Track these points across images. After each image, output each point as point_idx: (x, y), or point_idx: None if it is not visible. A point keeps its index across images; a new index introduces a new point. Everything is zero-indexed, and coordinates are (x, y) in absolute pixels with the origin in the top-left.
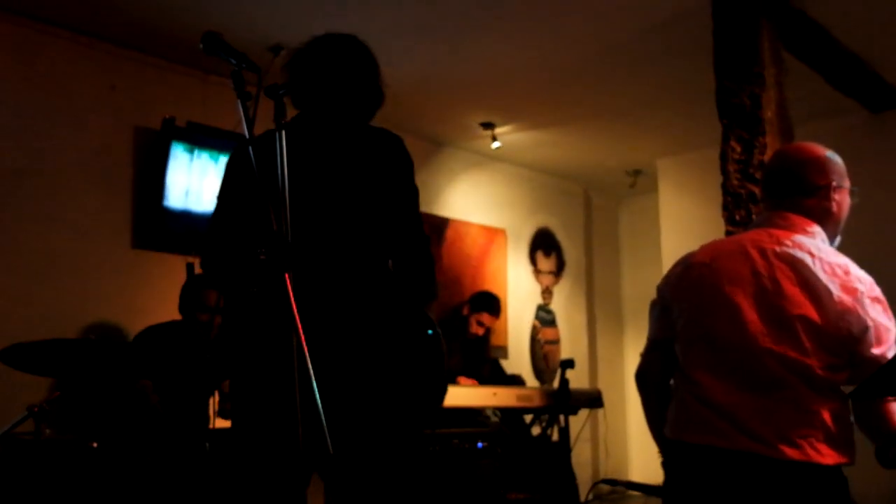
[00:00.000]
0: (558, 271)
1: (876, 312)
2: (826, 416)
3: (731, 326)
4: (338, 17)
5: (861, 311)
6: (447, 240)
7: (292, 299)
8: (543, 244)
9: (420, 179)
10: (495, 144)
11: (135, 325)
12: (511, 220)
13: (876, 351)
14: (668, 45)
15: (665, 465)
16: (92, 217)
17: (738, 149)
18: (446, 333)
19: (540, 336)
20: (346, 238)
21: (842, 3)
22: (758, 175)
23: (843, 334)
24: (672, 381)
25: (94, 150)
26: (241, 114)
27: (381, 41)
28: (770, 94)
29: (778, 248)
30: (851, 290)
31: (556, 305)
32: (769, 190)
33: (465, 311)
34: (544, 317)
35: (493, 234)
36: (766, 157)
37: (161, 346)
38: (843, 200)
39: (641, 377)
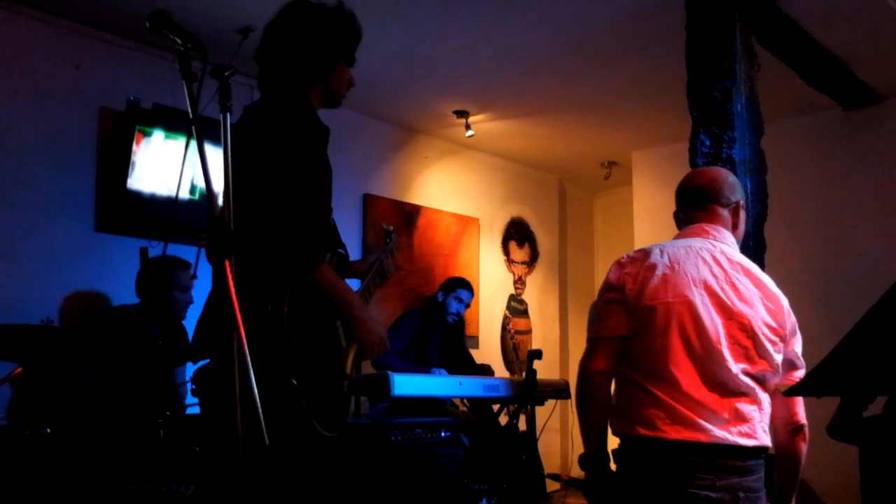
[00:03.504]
0: (531, 262)
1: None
2: (766, 408)
3: (698, 331)
4: None
5: (788, 309)
6: (419, 228)
7: (231, 286)
8: (517, 234)
9: (393, 166)
10: (469, 133)
11: (98, 309)
12: (484, 209)
13: (796, 347)
14: (644, 37)
15: (624, 460)
16: (54, 199)
17: (707, 143)
18: (420, 324)
19: (511, 326)
20: (239, 221)
21: (816, 0)
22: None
23: (787, 330)
24: (618, 379)
25: (57, 130)
26: (187, 94)
27: None
28: (741, 88)
29: (727, 254)
30: (776, 293)
31: (529, 296)
32: (690, 203)
33: (441, 297)
34: (516, 307)
35: (466, 222)
36: (735, 152)
37: (107, 331)
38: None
39: (597, 375)
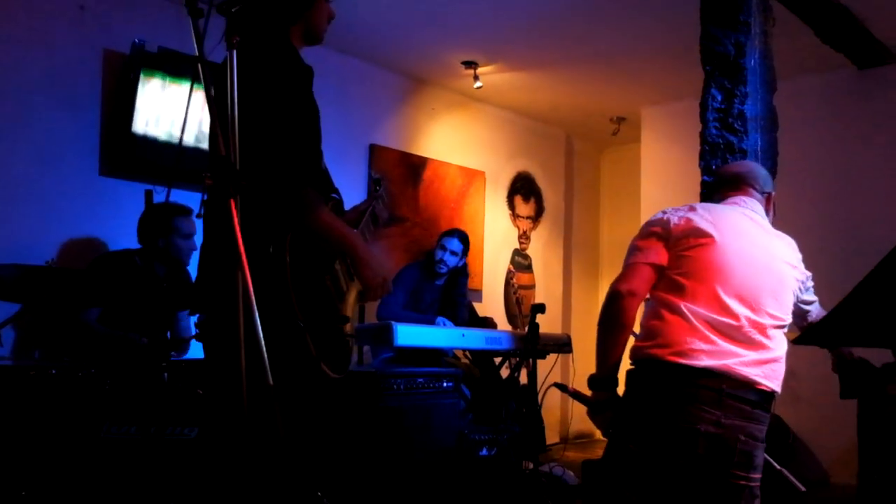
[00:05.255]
0: (537, 217)
1: None
2: (783, 360)
3: (739, 272)
4: None
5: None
6: (425, 180)
7: (237, 226)
8: (523, 189)
9: (400, 117)
10: (477, 84)
11: (102, 253)
12: (491, 162)
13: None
14: None
15: (636, 382)
16: (59, 142)
17: (719, 97)
18: (419, 275)
19: (514, 281)
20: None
21: None
22: (737, 126)
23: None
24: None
25: (60, 72)
26: (192, 31)
27: None
28: (755, 43)
29: (757, 221)
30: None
31: (533, 251)
32: (724, 185)
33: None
34: (520, 262)
35: (472, 175)
36: (747, 108)
37: (111, 275)
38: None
39: (628, 296)
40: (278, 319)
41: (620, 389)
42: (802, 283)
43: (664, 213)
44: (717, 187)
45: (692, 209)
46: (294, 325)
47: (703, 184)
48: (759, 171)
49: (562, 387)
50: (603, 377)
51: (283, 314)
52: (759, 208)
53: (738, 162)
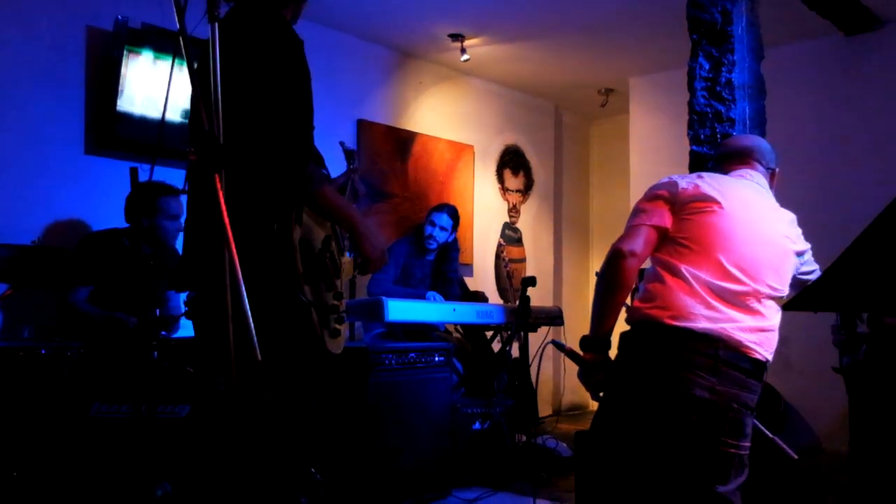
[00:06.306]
0: (526, 190)
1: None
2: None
3: (742, 240)
4: None
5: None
6: (413, 154)
7: (222, 201)
8: (512, 162)
9: (387, 91)
10: (464, 57)
11: (87, 232)
12: (479, 136)
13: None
14: None
15: (631, 345)
16: (42, 120)
17: (706, 66)
18: (408, 250)
19: (505, 254)
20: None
21: None
22: (725, 94)
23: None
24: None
25: (43, 49)
26: (174, 3)
27: None
28: (742, 10)
29: (762, 193)
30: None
31: (523, 224)
32: (729, 158)
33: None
34: (510, 235)
35: (461, 149)
36: (734, 76)
37: (98, 255)
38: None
39: (630, 256)
40: (283, 296)
41: (613, 353)
42: (802, 255)
43: (670, 177)
44: (724, 159)
45: (700, 177)
46: (300, 303)
47: (692, 153)
48: (766, 146)
49: (559, 344)
50: (597, 338)
51: (288, 291)
52: (765, 182)
53: (745, 135)
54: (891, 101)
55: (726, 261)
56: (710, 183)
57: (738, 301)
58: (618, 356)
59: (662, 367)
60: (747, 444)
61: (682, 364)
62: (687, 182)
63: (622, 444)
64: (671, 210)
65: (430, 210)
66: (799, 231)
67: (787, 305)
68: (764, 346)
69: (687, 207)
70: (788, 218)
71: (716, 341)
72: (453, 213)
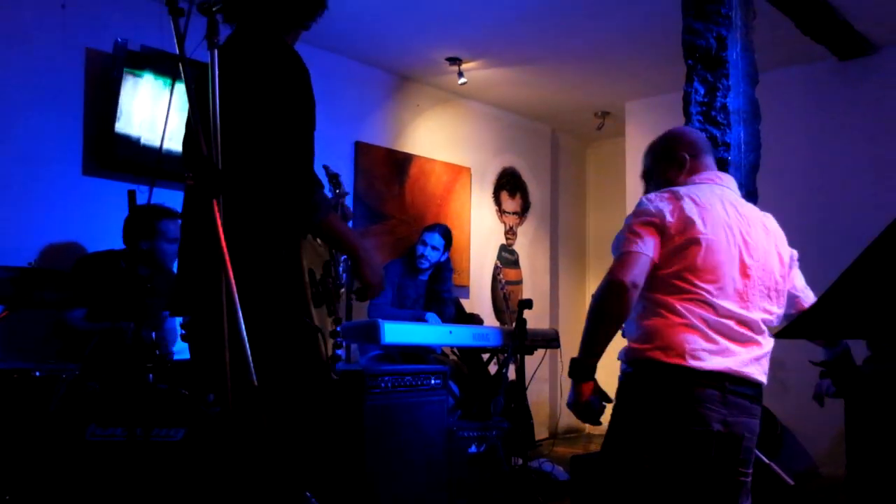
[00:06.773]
0: (523, 212)
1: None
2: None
3: (732, 268)
4: None
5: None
6: (411, 177)
7: (220, 226)
8: (508, 184)
9: (385, 114)
10: (462, 80)
11: (84, 254)
12: (476, 158)
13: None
14: None
15: (637, 385)
16: (42, 142)
17: (702, 91)
18: (402, 271)
19: (501, 276)
20: (229, 160)
21: None
22: (720, 118)
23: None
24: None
25: (43, 71)
26: (174, 30)
27: None
28: (737, 36)
29: (736, 206)
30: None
31: (520, 246)
32: (698, 150)
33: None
34: (507, 257)
35: (458, 172)
36: (729, 101)
37: (95, 276)
38: None
39: (628, 285)
40: (292, 321)
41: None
42: (789, 260)
43: (650, 202)
44: (699, 153)
45: (678, 198)
46: (308, 328)
47: None
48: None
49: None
50: (590, 365)
51: (297, 316)
52: (733, 183)
53: (686, 127)
54: (885, 125)
55: (719, 296)
56: (691, 207)
57: (735, 334)
58: (623, 401)
59: (678, 409)
60: (751, 470)
61: (695, 401)
62: (669, 211)
63: (650, 499)
64: (661, 241)
65: (423, 229)
66: (781, 232)
67: (780, 334)
68: (762, 373)
69: (674, 241)
70: (768, 221)
71: (721, 375)
72: (445, 233)
